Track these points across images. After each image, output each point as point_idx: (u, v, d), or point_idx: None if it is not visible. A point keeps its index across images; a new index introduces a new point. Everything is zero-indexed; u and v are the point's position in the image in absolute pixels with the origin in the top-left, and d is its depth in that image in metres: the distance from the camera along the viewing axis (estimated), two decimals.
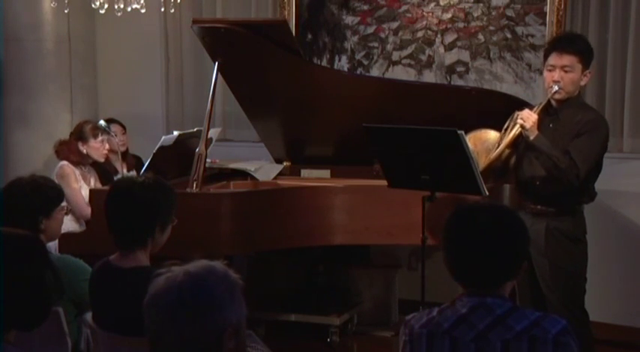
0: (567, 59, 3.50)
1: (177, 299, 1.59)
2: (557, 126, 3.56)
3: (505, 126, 3.62)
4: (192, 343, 1.59)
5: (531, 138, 3.47)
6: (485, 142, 3.64)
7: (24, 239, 1.97)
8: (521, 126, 3.48)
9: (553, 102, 3.60)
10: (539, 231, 3.51)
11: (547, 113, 3.61)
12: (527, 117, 3.48)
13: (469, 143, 3.39)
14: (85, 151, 4.41)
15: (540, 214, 3.53)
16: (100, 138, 4.43)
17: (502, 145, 3.55)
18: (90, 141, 4.41)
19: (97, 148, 4.42)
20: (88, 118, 5.01)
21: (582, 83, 3.59)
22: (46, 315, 1.95)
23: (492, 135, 3.68)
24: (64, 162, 4.38)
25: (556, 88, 3.51)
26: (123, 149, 4.83)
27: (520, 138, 3.54)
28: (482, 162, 3.58)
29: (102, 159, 4.49)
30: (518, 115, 3.52)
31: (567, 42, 3.58)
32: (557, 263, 3.54)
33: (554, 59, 3.54)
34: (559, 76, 3.51)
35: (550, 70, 3.55)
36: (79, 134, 4.44)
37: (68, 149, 4.41)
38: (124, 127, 5.10)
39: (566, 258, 3.55)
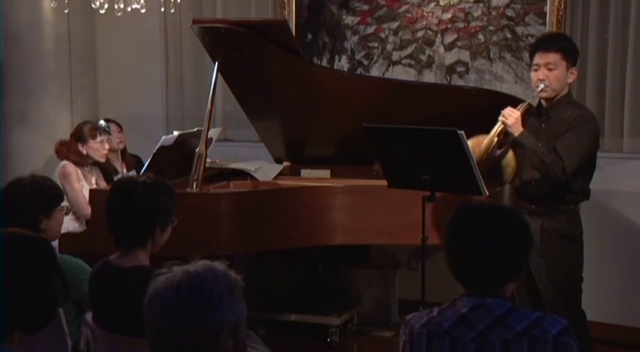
0: (550, 57, 3.54)
1: (175, 296, 1.60)
2: (549, 125, 3.58)
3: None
4: (190, 341, 1.60)
5: (515, 134, 3.50)
6: None
7: (32, 241, 1.97)
8: (503, 123, 3.51)
9: (543, 103, 3.63)
10: (534, 230, 3.46)
11: (538, 114, 3.64)
12: (509, 114, 3.52)
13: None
14: (84, 152, 4.42)
15: (535, 213, 3.53)
16: (99, 138, 4.44)
17: (485, 141, 3.56)
18: (89, 142, 4.42)
19: (96, 149, 4.44)
20: (87, 119, 5.02)
21: (570, 80, 3.60)
22: (51, 318, 1.95)
23: None
24: (66, 161, 4.40)
25: (542, 86, 3.55)
26: (121, 146, 4.87)
27: (504, 136, 3.56)
28: None
29: (102, 160, 4.51)
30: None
31: (549, 41, 3.64)
32: (553, 262, 3.55)
33: (538, 58, 3.58)
34: (544, 74, 3.55)
35: (535, 70, 3.59)
36: (78, 135, 4.46)
37: (68, 149, 4.43)
38: (119, 126, 5.11)
39: (561, 258, 3.56)
